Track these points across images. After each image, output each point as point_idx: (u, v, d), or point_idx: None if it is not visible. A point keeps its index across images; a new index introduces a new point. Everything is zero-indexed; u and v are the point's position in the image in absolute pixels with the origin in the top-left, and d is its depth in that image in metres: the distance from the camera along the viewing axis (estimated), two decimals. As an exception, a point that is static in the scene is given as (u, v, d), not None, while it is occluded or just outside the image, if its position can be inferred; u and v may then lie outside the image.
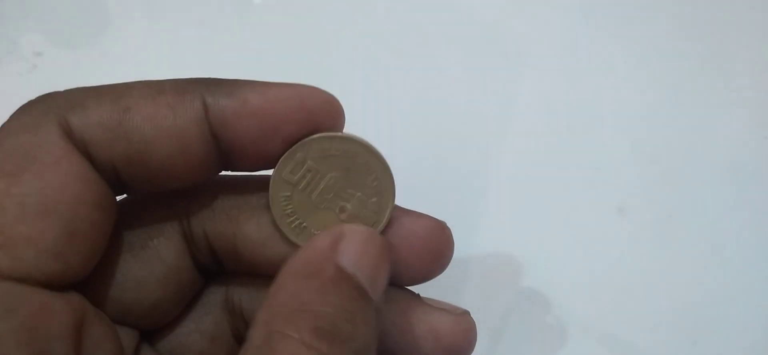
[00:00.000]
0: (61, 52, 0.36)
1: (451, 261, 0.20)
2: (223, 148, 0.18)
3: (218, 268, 0.20)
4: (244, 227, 0.19)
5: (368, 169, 0.18)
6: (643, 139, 0.35)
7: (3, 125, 0.16)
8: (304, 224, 0.19)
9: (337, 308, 0.16)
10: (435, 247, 0.19)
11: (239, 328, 0.21)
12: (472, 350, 0.19)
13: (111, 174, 0.17)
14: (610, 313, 0.31)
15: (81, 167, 0.16)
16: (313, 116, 0.18)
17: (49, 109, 0.16)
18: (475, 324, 0.19)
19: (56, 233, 0.15)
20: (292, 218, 0.19)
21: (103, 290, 0.18)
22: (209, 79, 0.18)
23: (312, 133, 0.18)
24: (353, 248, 0.17)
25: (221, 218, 0.19)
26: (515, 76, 0.36)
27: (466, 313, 0.19)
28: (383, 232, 0.19)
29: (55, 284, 0.16)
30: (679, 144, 0.34)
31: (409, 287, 0.20)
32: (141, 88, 0.17)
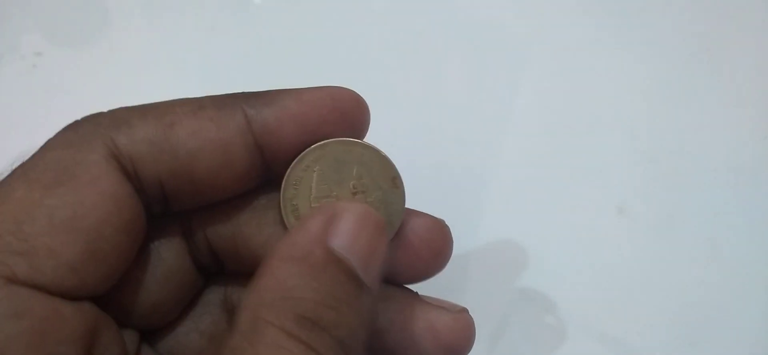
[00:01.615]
0: (61, 52, 0.36)
1: (452, 260, 0.20)
2: (266, 157, 0.18)
3: (218, 268, 0.20)
4: (245, 228, 0.19)
5: (378, 168, 0.19)
6: (643, 139, 0.35)
7: (48, 140, 0.17)
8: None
9: (322, 295, 0.15)
10: (434, 245, 0.19)
11: (238, 328, 0.21)
12: (471, 347, 0.19)
13: (157, 190, 0.17)
14: (609, 313, 0.31)
15: (116, 189, 0.16)
16: (346, 115, 0.18)
17: (95, 128, 0.17)
18: (473, 322, 0.19)
19: (78, 250, 0.15)
20: (297, 214, 0.19)
21: (106, 293, 0.18)
22: (245, 92, 0.18)
23: (345, 132, 0.18)
24: (346, 228, 0.16)
25: (221, 219, 0.19)
26: (515, 75, 0.36)
27: (464, 310, 0.19)
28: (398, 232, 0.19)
29: (70, 296, 0.16)
30: (679, 144, 0.34)
31: (407, 286, 0.20)
32: (182, 104, 0.17)
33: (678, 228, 0.33)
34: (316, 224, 0.16)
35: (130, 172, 0.17)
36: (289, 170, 0.19)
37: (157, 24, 0.37)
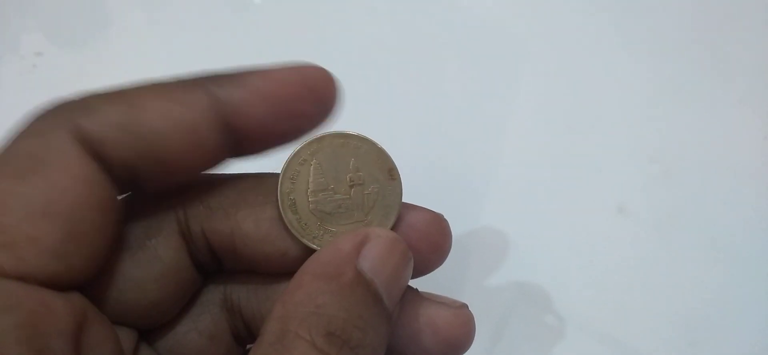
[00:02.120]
0: (61, 52, 0.36)
1: (451, 261, 0.20)
2: (237, 136, 0.18)
3: (216, 266, 0.20)
4: (242, 224, 0.19)
5: (375, 160, 0.19)
6: (643, 139, 0.35)
7: (16, 130, 0.17)
8: (306, 221, 0.19)
9: (350, 314, 0.16)
10: (433, 239, 0.19)
11: (237, 326, 0.21)
12: (471, 342, 0.19)
13: (125, 173, 0.17)
14: (609, 313, 0.31)
15: (87, 171, 0.16)
16: (314, 91, 0.18)
17: (61, 114, 0.17)
18: (473, 317, 0.19)
19: (59, 235, 0.15)
20: (297, 216, 0.19)
21: (101, 290, 0.18)
22: (212, 73, 0.18)
23: (316, 109, 0.18)
24: (375, 253, 0.17)
25: (219, 216, 0.19)
26: (515, 75, 0.36)
27: (464, 306, 0.20)
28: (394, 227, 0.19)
29: (57, 285, 0.16)
30: (679, 144, 0.34)
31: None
32: (148, 87, 0.17)
33: (678, 228, 0.33)
34: (348, 244, 0.17)
35: (98, 155, 0.17)
36: (285, 164, 0.19)
37: (157, 24, 0.37)
